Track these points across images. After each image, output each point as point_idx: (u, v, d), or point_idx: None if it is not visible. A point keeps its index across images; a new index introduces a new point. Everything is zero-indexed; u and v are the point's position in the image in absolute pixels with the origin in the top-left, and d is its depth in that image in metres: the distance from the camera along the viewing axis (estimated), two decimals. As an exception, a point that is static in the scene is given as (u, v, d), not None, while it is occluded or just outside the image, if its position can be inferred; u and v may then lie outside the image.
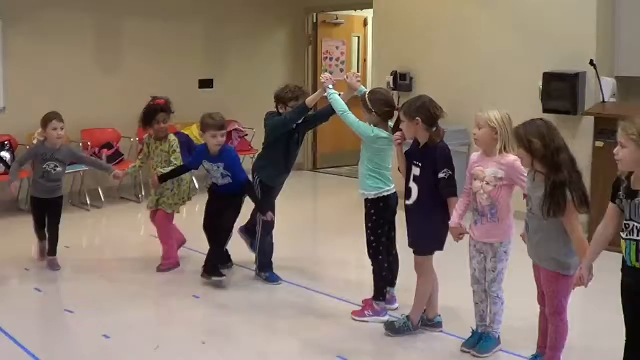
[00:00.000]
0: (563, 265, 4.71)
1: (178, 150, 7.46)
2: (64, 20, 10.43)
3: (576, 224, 4.61)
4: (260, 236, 6.92)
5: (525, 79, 9.01)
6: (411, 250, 5.64)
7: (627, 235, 4.07)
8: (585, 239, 4.63)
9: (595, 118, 8.17)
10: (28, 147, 9.65)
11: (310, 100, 6.52)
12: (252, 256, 7.06)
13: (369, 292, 6.09)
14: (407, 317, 5.72)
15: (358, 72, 14.01)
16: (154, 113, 7.42)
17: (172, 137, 7.51)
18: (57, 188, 7.46)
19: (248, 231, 7.19)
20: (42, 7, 10.19)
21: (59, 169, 7.37)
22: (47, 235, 7.50)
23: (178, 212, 7.62)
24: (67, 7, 10.44)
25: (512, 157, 5.02)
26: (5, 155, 9.64)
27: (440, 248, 5.55)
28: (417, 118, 5.42)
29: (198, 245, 7.87)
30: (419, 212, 5.50)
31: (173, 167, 7.26)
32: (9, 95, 10.11)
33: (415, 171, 5.52)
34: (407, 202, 5.59)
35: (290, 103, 6.63)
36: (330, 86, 6.20)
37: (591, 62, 8.28)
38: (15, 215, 9.51)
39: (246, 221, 7.23)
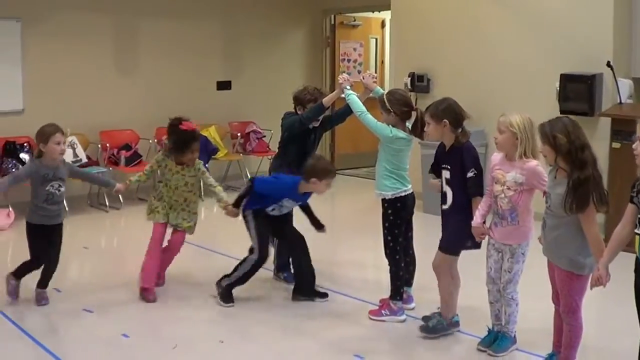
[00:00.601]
0: (577, 265, 4.73)
1: (206, 171, 7.08)
2: (82, 21, 10.51)
3: (594, 223, 4.63)
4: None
5: (543, 80, 9.02)
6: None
7: None
8: (602, 239, 4.65)
9: (612, 119, 8.17)
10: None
11: (327, 99, 6.49)
12: (270, 257, 7.08)
13: (386, 291, 6.12)
14: (440, 314, 5.74)
15: (375, 73, 14.08)
16: (190, 141, 6.81)
17: (197, 161, 6.99)
18: (60, 211, 6.42)
19: (279, 268, 7.21)
20: (60, 8, 10.28)
21: (62, 189, 6.33)
22: (45, 264, 6.38)
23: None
24: (85, 8, 10.53)
25: (533, 163, 5.07)
26: (24, 157, 9.67)
27: (478, 246, 5.54)
28: (444, 120, 5.48)
29: (217, 245, 7.95)
30: (456, 213, 5.52)
31: (244, 189, 6.61)
32: (27, 97, 10.19)
33: (446, 174, 5.57)
34: (444, 207, 5.61)
35: (308, 105, 6.63)
36: (348, 87, 6.19)
37: (608, 64, 8.28)
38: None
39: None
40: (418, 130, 5.86)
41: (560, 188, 4.66)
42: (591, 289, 4.58)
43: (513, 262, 5.25)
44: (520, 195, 5.13)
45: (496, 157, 5.32)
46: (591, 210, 4.58)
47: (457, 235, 5.51)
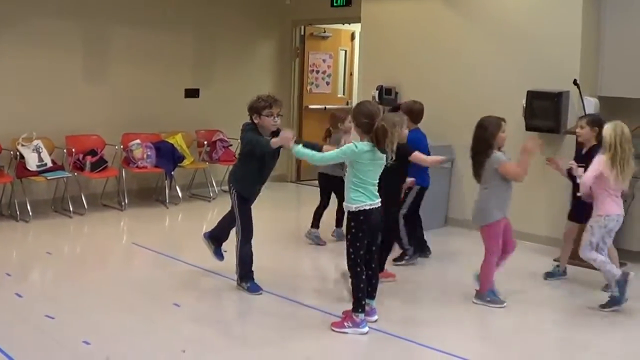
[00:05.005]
0: None
1: None
2: (51, 26, 10.40)
3: None
4: (239, 244, 6.92)
5: (510, 96, 9.07)
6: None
7: None
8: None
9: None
10: (12, 152, 9.67)
11: (274, 142, 6.41)
12: (233, 265, 7.07)
13: (348, 303, 6.12)
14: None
15: (344, 86, 14.15)
16: None
17: None
18: None
19: (212, 237, 7.36)
20: (29, 13, 10.18)
21: None
22: None
23: None
24: (54, 14, 10.44)
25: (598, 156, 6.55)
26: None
27: None
28: (595, 127, 7.04)
29: (180, 253, 7.93)
30: None
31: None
32: (-5, 101, 10.08)
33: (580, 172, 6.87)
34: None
35: (264, 111, 6.67)
36: (292, 144, 6.18)
37: (574, 82, 8.34)
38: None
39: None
40: (380, 145, 5.87)
41: None
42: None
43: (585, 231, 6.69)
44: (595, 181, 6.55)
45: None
46: None
47: None
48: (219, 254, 7.35)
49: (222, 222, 7.36)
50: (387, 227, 7.01)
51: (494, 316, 6.56)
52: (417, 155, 7.23)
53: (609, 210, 6.58)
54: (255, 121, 6.73)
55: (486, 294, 6.68)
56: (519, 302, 6.85)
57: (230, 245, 7.17)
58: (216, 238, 7.32)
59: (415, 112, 8.07)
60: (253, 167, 6.84)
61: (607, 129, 6.52)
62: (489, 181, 6.55)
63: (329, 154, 6.13)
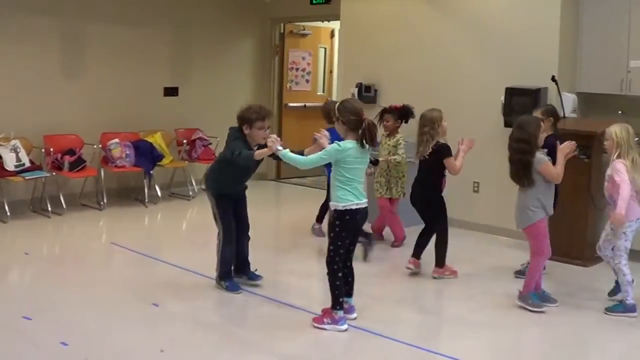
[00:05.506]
0: None
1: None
2: (29, 24, 10.32)
3: None
4: (221, 245, 6.90)
5: (489, 93, 9.11)
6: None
7: None
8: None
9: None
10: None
11: (258, 154, 6.33)
12: (212, 265, 7.05)
13: (328, 301, 6.11)
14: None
15: (324, 83, 14.13)
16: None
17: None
18: None
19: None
20: (5, 10, 10.09)
21: None
22: None
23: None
24: (31, 11, 10.34)
25: (616, 162, 6.45)
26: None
27: None
28: (550, 117, 7.19)
29: (159, 253, 7.90)
30: None
31: None
32: (-29, 100, 10.00)
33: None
34: None
35: (256, 123, 6.60)
36: (279, 147, 6.11)
37: (553, 78, 8.36)
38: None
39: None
40: (366, 140, 5.87)
41: None
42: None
43: (617, 239, 6.54)
44: (613, 185, 6.45)
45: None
46: None
47: None
48: (254, 278, 7.13)
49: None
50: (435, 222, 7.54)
51: (473, 314, 6.57)
52: (451, 162, 7.30)
53: (638, 212, 6.56)
54: (245, 131, 6.66)
55: (529, 295, 6.58)
56: (496, 298, 6.88)
57: (212, 245, 7.15)
58: (240, 270, 7.16)
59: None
60: (233, 172, 6.78)
61: (617, 130, 6.53)
62: (533, 181, 6.47)
63: (314, 157, 6.08)
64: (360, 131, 5.87)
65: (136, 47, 11.52)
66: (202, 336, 5.94)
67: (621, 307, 6.51)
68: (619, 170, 6.36)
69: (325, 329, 5.98)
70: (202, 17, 12.39)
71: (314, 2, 12.58)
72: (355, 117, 5.92)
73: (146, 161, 10.92)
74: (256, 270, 7.14)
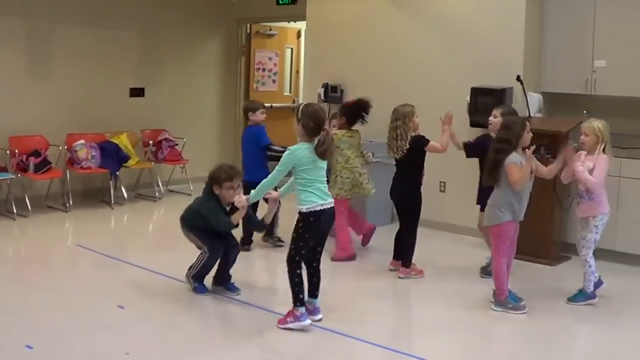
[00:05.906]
0: None
1: None
2: (-6, 25, 10.25)
3: None
4: (204, 258, 6.85)
5: (454, 93, 9.14)
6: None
7: None
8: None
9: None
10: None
11: (234, 220, 6.71)
12: (183, 269, 7.02)
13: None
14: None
15: (291, 84, 14.12)
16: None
17: None
18: None
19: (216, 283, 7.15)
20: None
21: None
22: None
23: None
24: (-4, 11, 10.27)
25: (603, 156, 6.55)
26: None
27: None
28: None
29: (124, 255, 7.85)
30: None
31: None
32: None
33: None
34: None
35: (225, 184, 6.69)
36: (243, 197, 6.57)
37: (518, 78, 8.41)
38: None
39: None
40: (319, 151, 5.92)
41: None
42: None
43: (587, 231, 6.66)
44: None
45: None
46: None
47: None
48: (232, 289, 7.03)
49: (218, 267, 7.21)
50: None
51: (440, 314, 6.60)
52: (433, 145, 7.41)
53: (607, 206, 6.68)
54: (216, 192, 6.75)
55: (507, 300, 6.57)
56: (463, 299, 6.92)
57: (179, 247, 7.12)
58: (220, 281, 7.12)
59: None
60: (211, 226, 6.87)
61: (600, 126, 6.60)
62: (498, 180, 6.48)
63: (273, 174, 6.16)
64: (316, 140, 5.93)
65: (102, 48, 11.43)
66: (168, 339, 5.91)
67: (582, 296, 6.74)
68: (604, 165, 6.52)
69: (290, 328, 5.99)
70: (168, 18, 12.33)
71: (280, 2, 12.56)
72: (314, 126, 5.98)
73: (112, 162, 10.86)
74: (234, 282, 7.07)
